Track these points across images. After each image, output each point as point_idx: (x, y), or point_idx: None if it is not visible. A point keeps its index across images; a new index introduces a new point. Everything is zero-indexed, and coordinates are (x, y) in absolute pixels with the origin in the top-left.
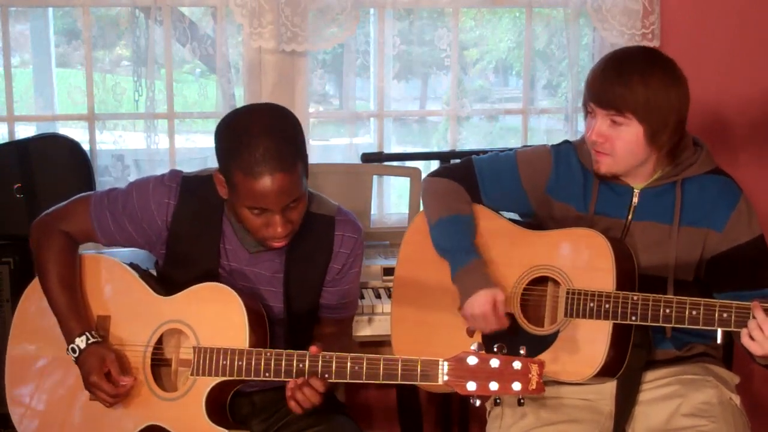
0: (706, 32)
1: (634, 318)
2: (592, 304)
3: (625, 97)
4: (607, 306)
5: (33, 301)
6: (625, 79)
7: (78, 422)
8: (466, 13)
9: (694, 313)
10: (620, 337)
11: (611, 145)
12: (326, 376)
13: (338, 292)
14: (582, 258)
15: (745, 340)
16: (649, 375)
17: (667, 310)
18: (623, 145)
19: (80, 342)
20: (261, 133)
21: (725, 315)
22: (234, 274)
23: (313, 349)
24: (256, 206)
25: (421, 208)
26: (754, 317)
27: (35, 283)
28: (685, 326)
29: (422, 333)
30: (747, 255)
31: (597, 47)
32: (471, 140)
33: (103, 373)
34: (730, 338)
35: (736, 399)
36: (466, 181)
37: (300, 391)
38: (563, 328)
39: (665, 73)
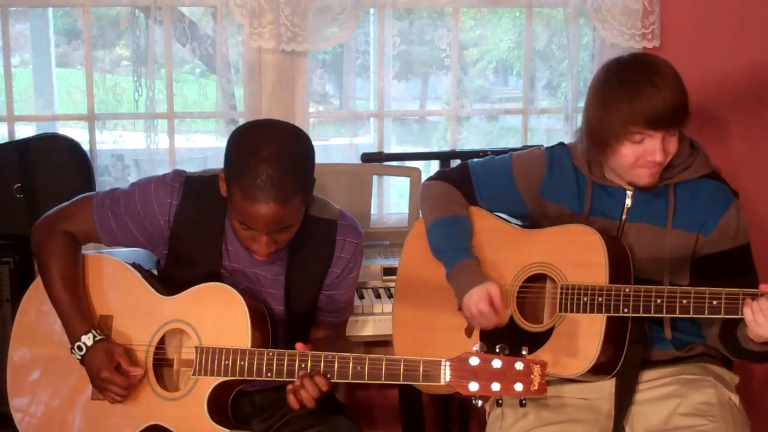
0: (706, 32)
1: (626, 310)
2: (585, 299)
3: (682, 108)
4: (600, 299)
5: (34, 302)
6: (677, 95)
7: (79, 422)
8: (466, 13)
9: (684, 302)
10: (615, 331)
11: (669, 153)
12: (328, 375)
13: (336, 296)
14: (575, 254)
15: (748, 317)
16: (648, 374)
17: (659, 301)
18: (675, 149)
19: (87, 339)
20: (268, 159)
21: (715, 302)
22: (236, 275)
23: (299, 346)
24: (245, 224)
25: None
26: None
27: (37, 283)
28: (677, 316)
29: (423, 335)
30: (728, 262)
31: (597, 47)
32: (471, 140)
33: (113, 366)
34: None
35: (736, 399)
36: (461, 185)
37: (303, 387)
38: (558, 323)
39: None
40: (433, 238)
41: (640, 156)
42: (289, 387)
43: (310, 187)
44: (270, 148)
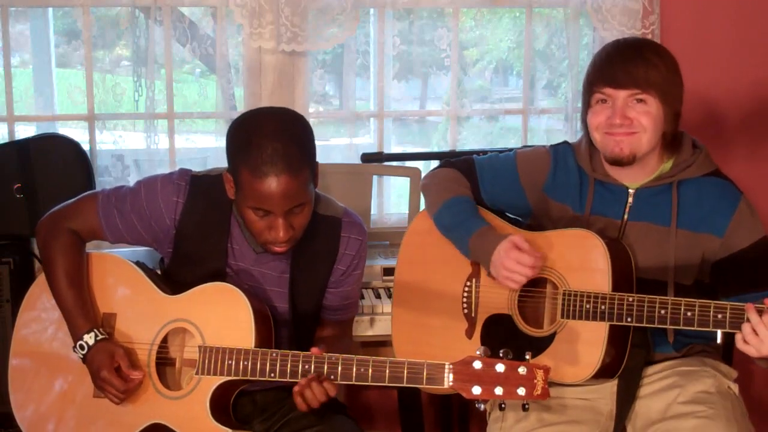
0: (706, 32)
1: (629, 319)
2: (588, 306)
3: (648, 74)
4: (602, 307)
5: (36, 301)
6: (645, 57)
7: (81, 420)
8: (466, 13)
9: (689, 314)
10: (617, 337)
11: (638, 123)
12: (332, 377)
13: (341, 294)
14: (578, 259)
15: (740, 345)
16: (648, 370)
17: (663, 311)
18: (650, 120)
19: (89, 339)
20: (272, 134)
21: (720, 316)
22: (241, 274)
23: (315, 350)
24: (259, 207)
25: (421, 209)
26: (748, 320)
27: (38, 282)
28: (681, 327)
29: (422, 334)
30: (751, 258)
31: (597, 47)
32: (471, 140)
33: (113, 368)
34: (731, 338)
35: (735, 387)
36: (466, 176)
37: (309, 388)
38: (560, 329)
39: (673, 58)
40: (442, 218)
41: (605, 120)
42: (296, 389)
43: (315, 163)
44: (271, 125)
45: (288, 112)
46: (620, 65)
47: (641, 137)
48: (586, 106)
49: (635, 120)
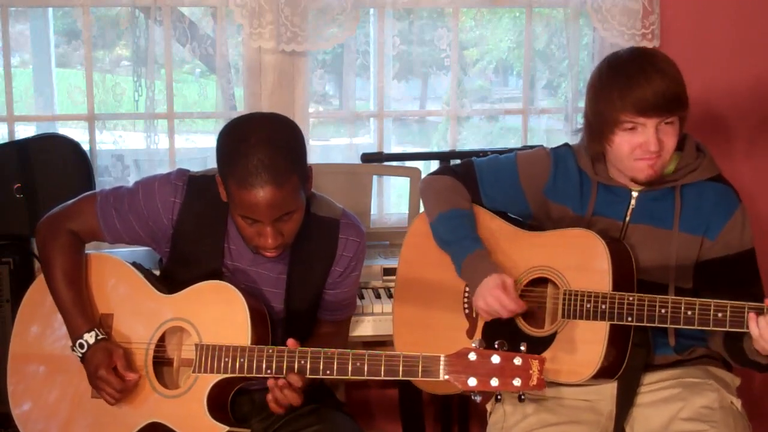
0: (706, 32)
1: (630, 319)
2: (588, 305)
3: (677, 94)
4: (603, 307)
5: (35, 301)
6: (669, 83)
7: (80, 419)
8: (466, 13)
9: (689, 313)
10: (618, 337)
11: (666, 145)
12: (328, 372)
13: (338, 295)
14: (578, 259)
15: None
16: (650, 377)
17: (663, 311)
18: (676, 138)
19: (89, 338)
20: (258, 144)
21: (720, 315)
22: (238, 274)
23: (291, 342)
24: (247, 216)
25: (421, 210)
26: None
27: (37, 282)
28: (681, 327)
29: (424, 335)
30: (733, 267)
31: (597, 47)
32: (471, 140)
33: (111, 367)
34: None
35: (737, 402)
36: (466, 181)
37: (279, 391)
38: (561, 329)
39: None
40: (439, 231)
41: (635, 146)
42: (269, 397)
43: (305, 169)
44: (258, 135)
45: (276, 119)
46: (650, 92)
47: (667, 155)
48: (605, 130)
49: (665, 142)
